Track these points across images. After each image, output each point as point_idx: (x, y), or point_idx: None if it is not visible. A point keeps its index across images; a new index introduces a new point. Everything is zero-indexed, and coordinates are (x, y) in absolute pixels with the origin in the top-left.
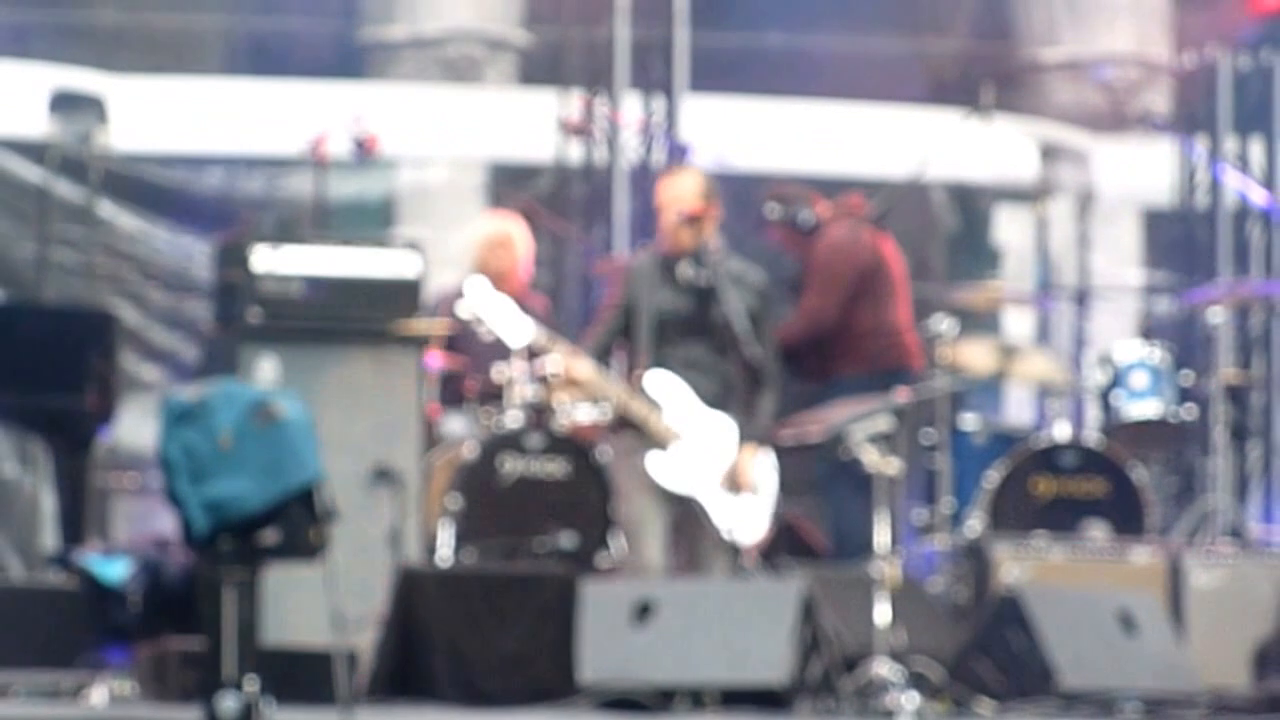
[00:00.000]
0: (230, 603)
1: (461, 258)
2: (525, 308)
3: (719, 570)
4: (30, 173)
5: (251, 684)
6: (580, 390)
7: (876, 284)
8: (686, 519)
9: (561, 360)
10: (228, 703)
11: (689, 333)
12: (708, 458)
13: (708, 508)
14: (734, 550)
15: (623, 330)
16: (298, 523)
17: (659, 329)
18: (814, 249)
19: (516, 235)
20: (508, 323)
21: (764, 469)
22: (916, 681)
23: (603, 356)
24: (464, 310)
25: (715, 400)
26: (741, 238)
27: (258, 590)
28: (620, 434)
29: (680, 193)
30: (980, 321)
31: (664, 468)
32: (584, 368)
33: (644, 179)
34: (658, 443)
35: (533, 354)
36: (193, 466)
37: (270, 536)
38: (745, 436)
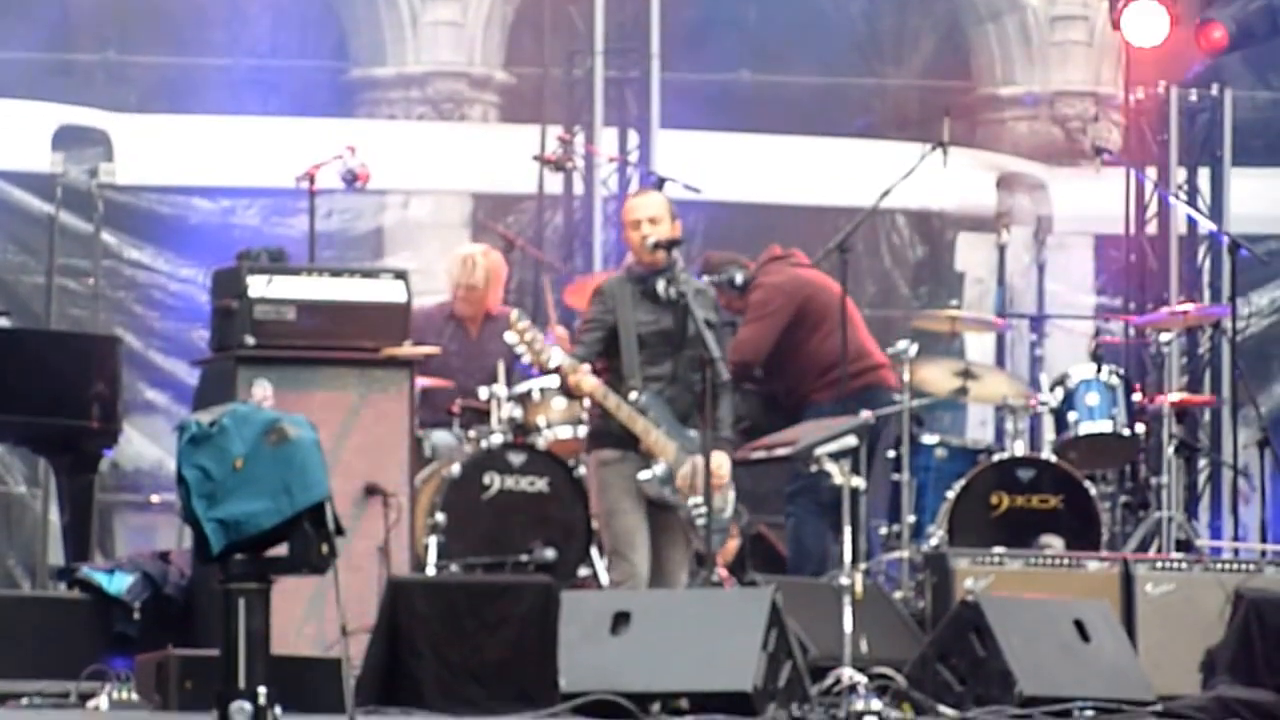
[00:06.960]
0: (242, 615)
1: (444, 280)
2: (499, 322)
3: (684, 580)
4: (38, 205)
5: (263, 693)
6: (586, 398)
7: (824, 313)
8: (654, 530)
9: (569, 372)
10: (240, 711)
11: (665, 347)
12: (683, 469)
13: (691, 517)
14: (701, 560)
15: (603, 348)
16: (308, 538)
17: (638, 346)
18: (749, 294)
19: (494, 261)
20: (543, 348)
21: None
22: (880, 688)
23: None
24: (509, 337)
25: (686, 412)
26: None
27: (269, 603)
28: (603, 448)
29: (647, 209)
30: (943, 344)
31: (651, 481)
32: (589, 380)
33: (620, 211)
34: (651, 456)
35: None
36: (208, 487)
37: (282, 552)
38: (712, 445)
